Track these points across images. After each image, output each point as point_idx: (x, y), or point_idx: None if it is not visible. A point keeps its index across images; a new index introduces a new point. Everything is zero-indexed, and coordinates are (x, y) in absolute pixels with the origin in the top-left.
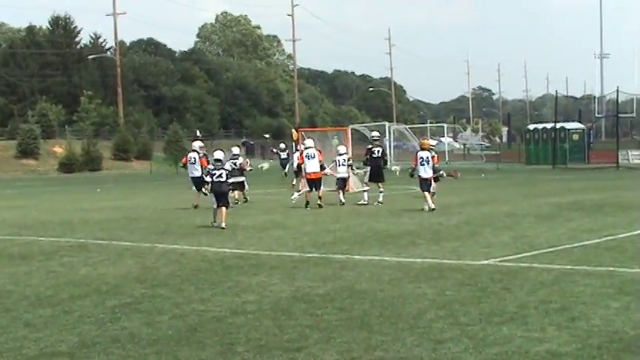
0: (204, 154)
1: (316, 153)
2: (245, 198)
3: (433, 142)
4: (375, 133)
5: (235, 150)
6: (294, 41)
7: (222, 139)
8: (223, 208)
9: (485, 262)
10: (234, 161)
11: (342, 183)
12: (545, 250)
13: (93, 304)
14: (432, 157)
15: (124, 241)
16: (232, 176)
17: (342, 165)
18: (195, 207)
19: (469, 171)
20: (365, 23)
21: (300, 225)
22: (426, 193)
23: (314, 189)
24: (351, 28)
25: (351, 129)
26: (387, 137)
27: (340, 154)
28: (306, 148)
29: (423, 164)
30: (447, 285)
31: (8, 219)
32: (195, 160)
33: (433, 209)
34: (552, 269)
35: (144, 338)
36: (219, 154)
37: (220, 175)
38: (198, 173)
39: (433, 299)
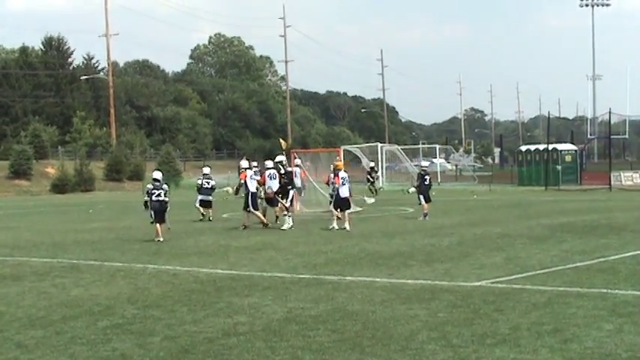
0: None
1: (277, 174)
2: (208, 217)
3: (425, 164)
4: (425, 163)
5: (206, 170)
6: (286, 62)
7: (215, 160)
8: (158, 225)
9: (478, 283)
10: (208, 180)
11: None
12: (537, 272)
13: (85, 325)
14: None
15: (116, 262)
16: (203, 194)
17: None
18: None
19: (461, 192)
20: (357, 44)
21: (292, 246)
22: (346, 213)
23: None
24: (343, 49)
25: (344, 150)
26: (379, 158)
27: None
28: (267, 169)
29: (344, 184)
30: (440, 306)
31: (0, 240)
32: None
33: (344, 228)
34: (545, 291)
35: (135, 359)
36: (157, 175)
37: (159, 195)
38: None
39: (425, 321)
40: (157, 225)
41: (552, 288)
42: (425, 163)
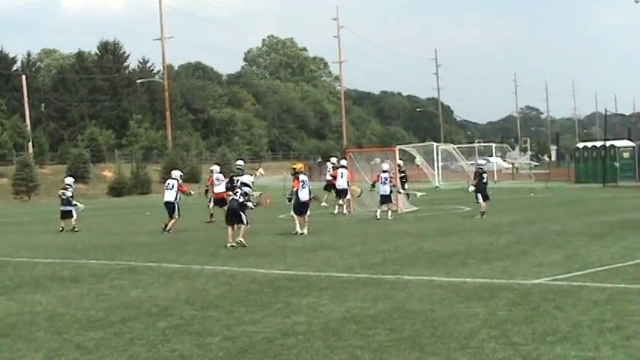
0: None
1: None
2: (73, 227)
3: (482, 162)
4: (482, 161)
5: (68, 180)
6: (340, 63)
7: (270, 161)
8: (230, 228)
9: (537, 281)
10: (64, 191)
11: (385, 199)
12: (597, 269)
13: (143, 326)
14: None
15: (173, 264)
16: (62, 204)
17: (384, 183)
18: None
19: (518, 190)
20: (411, 44)
21: (349, 246)
22: (306, 217)
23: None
24: (397, 48)
25: (399, 149)
26: (435, 158)
27: (384, 172)
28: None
29: (305, 187)
30: (499, 304)
31: (59, 242)
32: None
33: (302, 234)
34: (605, 288)
35: None
36: (69, 180)
37: (235, 193)
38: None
39: (485, 319)
40: (230, 231)
41: (613, 285)
42: (482, 162)
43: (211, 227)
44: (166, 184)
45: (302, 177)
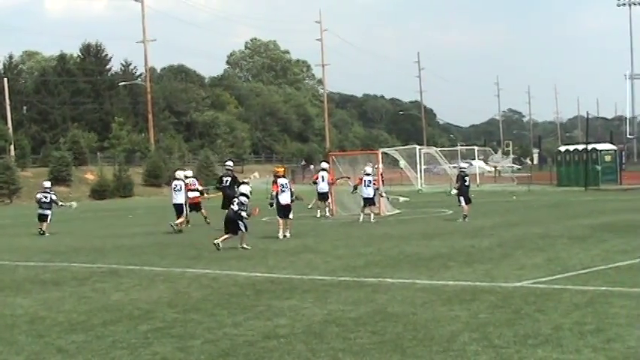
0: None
1: (195, 181)
2: (43, 231)
3: (464, 165)
4: (464, 165)
5: (47, 184)
6: (323, 66)
7: (253, 164)
8: (226, 235)
9: (519, 284)
10: (45, 194)
11: (368, 202)
12: (578, 272)
13: (125, 329)
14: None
15: (155, 267)
16: (42, 208)
17: (368, 186)
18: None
19: (500, 193)
20: (394, 47)
21: (332, 249)
22: (288, 220)
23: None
24: (380, 52)
25: (382, 153)
26: (417, 161)
27: (367, 175)
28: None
29: (285, 190)
30: (481, 307)
31: (41, 245)
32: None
33: (285, 237)
34: (586, 291)
35: None
36: (47, 183)
37: (232, 203)
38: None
39: (466, 321)
40: (226, 235)
41: (594, 288)
42: (464, 165)
43: (192, 231)
44: (173, 186)
45: (281, 180)
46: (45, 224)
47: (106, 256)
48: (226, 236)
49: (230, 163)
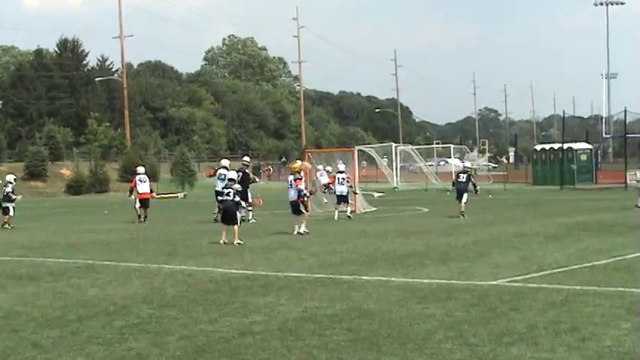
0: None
1: (147, 178)
2: (7, 225)
3: (468, 164)
4: (468, 164)
5: (9, 177)
6: (300, 63)
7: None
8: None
9: (494, 282)
10: (5, 188)
11: (342, 199)
12: (554, 271)
13: (101, 324)
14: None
15: (131, 262)
16: (4, 201)
17: (341, 183)
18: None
19: None
20: (371, 45)
21: (308, 246)
22: (301, 216)
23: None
24: (356, 49)
25: (358, 150)
26: (394, 158)
27: (340, 172)
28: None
29: (290, 188)
30: (456, 306)
31: (16, 240)
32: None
33: (300, 233)
34: (562, 290)
35: (152, 359)
36: (10, 177)
37: (229, 194)
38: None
39: (442, 320)
40: (224, 231)
41: (569, 287)
42: (467, 164)
43: (167, 227)
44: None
45: (290, 177)
46: (8, 217)
47: (81, 252)
48: (226, 232)
49: (247, 158)
